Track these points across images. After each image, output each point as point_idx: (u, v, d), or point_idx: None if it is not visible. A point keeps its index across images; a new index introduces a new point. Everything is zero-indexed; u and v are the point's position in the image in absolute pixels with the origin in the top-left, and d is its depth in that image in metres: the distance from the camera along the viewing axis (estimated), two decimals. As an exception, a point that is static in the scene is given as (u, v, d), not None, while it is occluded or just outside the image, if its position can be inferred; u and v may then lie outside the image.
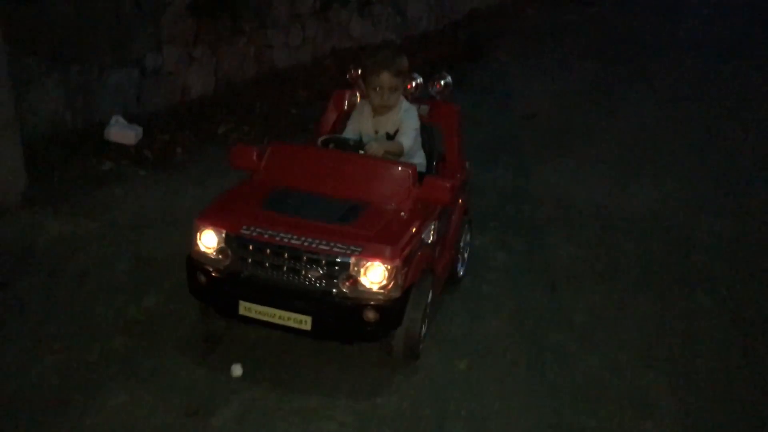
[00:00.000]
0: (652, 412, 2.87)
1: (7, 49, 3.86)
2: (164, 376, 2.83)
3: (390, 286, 2.70)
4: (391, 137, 3.32)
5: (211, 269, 2.82)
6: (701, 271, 4.13)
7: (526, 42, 10.15)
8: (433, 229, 3.13)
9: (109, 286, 3.39)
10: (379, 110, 3.34)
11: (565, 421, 2.78)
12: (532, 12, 12.49)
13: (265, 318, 2.75)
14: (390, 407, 2.77)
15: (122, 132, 5.07)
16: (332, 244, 2.70)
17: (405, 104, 3.38)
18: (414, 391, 2.88)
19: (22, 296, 3.23)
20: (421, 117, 3.47)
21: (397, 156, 3.24)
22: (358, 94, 3.64)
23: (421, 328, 2.97)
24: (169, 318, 3.19)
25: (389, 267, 2.67)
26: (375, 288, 2.69)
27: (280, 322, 2.74)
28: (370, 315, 2.69)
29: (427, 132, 3.53)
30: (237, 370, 2.87)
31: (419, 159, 3.43)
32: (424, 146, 3.50)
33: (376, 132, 3.36)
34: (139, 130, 5.16)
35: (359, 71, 3.49)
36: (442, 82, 3.65)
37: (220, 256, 2.80)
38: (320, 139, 3.37)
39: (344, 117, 3.62)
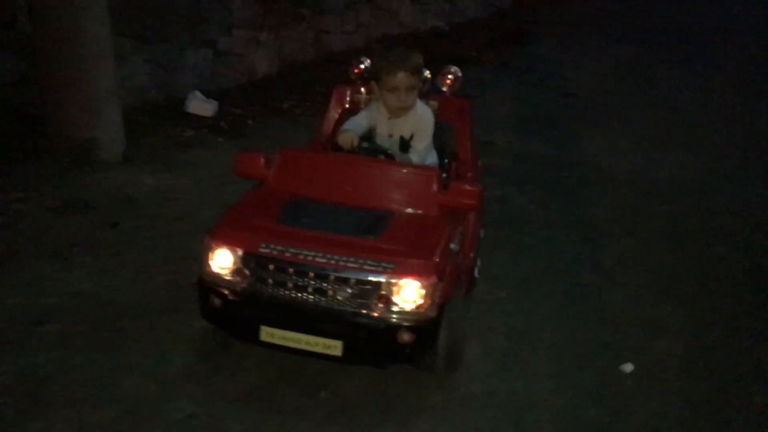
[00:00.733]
0: (665, 334, 3.32)
1: (110, 28, 4.48)
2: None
3: (426, 305, 2.49)
4: (406, 141, 3.12)
5: (226, 292, 2.59)
6: (722, 227, 4.54)
7: (569, 28, 10.55)
8: (460, 237, 2.91)
9: (200, 226, 3.92)
10: (396, 112, 3.10)
11: (590, 337, 3.26)
12: (577, 0, 12.84)
13: (291, 344, 2.53)
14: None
15: (200, 105, 5.69)
16: (361, 261, 2.49)
17: (420, 105, 3.17)
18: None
19: (131, 233, 3.84)
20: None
21: None
22: (363, 91, 3.49)
23: (463, 339, 2.87)
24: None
25: (425, 284, 2.47)
26: (409, 307, 2.49)
27: (307, 348, 2.52)
28: (406, 337, 2.49)
29: (437, 129, 3.30)
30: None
31: (432, 158, 3.27)
32: (435, 144, 3.32)
33: (391, 136, 3.14)
34: (215, 104, 5.77)
35: (362, 68, 3.38)
36: (451, 77, 3.49)
37: (237, 278, 2.57)
38: (355, 144, 3.02)
39: (347, 116, 3.41)
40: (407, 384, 2.80)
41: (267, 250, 2.53)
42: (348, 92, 3.56)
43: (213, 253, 2.60)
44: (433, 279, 2.48)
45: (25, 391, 2.62)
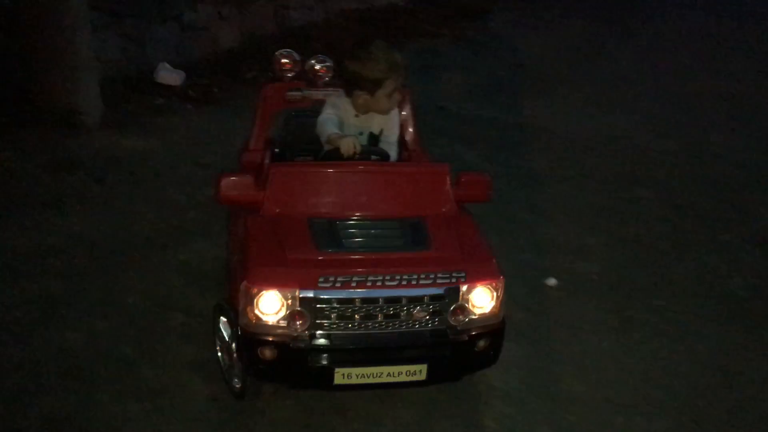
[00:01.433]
0: (586, 258, 3.90)
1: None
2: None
3: (498, 305, 2.44)
4: (375, 136, 2.94)
5: (282, 341, 2.29)
6: (648, 174, 5.13)
7: (523, 4, 11.01)
8: None
9: (177, 181, 4.40)
10: (366, 110, 2.88)
11: (521, 258, 3.77)
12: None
13: (371, 380, 2.35)
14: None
15: (168, 75, 6.06)
16: (432, 275, 2.35)
17: None
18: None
19: (116, 187, 4.25)
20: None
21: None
22: (302, 90, 3.25)
23: None
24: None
25: (497, 285, 2.42)
26: (484, 312, 2.43)
27: (390, 379, 2.35)
28: (485, 342, 2.44)
29: None
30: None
31: (393, 153, 3.04)
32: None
33: (361, 133, 2.93)
34: (182, 74, 6.14)
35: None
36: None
37: (293, 321, 2.28)
38: (358, 150, 2.73)
39: (281, 116, 3.25)
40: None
41: (327, 284, 2.28)
42: (280, 90, 3.28)
43: (258, 299, 2.27)
44: (501, 277, 2.44)
45: (39, 308, 3.05)
